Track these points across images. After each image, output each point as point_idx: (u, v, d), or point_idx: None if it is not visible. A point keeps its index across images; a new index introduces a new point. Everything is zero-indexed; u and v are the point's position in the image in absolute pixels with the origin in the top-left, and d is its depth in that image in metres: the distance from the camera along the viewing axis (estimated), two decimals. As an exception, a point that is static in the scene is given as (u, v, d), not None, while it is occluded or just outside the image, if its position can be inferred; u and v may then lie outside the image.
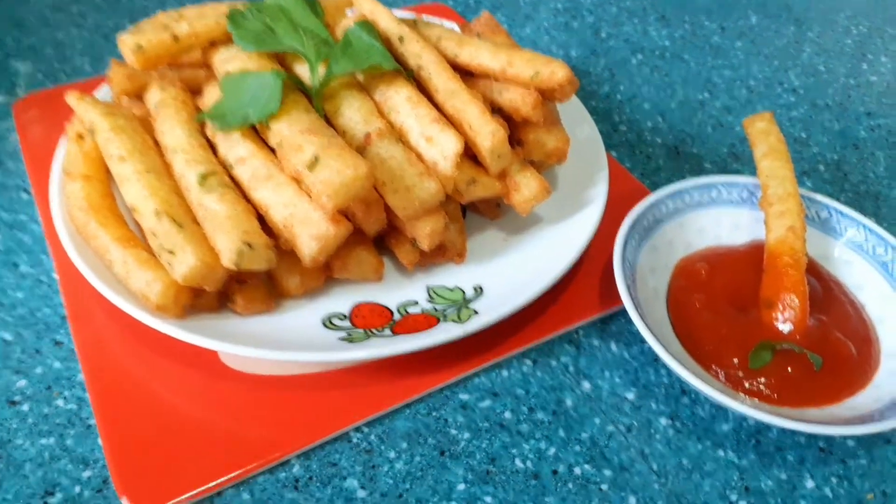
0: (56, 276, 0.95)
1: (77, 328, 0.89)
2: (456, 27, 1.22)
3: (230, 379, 0.84)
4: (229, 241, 0.77)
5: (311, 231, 0.80)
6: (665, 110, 1.30)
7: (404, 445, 0.81)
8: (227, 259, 0.77)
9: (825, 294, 0.92)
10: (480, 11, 1.46)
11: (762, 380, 0.83)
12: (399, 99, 0.92)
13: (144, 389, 0.83)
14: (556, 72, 0.89)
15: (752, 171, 1.01)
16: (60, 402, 0.84)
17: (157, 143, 0.93)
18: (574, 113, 1.10)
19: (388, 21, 1.01)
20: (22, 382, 0.85)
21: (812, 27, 1.56)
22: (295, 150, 0.82)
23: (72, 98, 0.96)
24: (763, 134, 1.01)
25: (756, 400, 0.82)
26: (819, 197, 0.99)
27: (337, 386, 0.84)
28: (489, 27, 1.17)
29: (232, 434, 0.80)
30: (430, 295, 0.90)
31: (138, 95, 1.03)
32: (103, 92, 1.09)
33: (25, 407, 0.83)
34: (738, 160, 1.20)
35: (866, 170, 1.22)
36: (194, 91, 1.02)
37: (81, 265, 0.84)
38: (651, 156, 1.20)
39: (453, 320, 0.84)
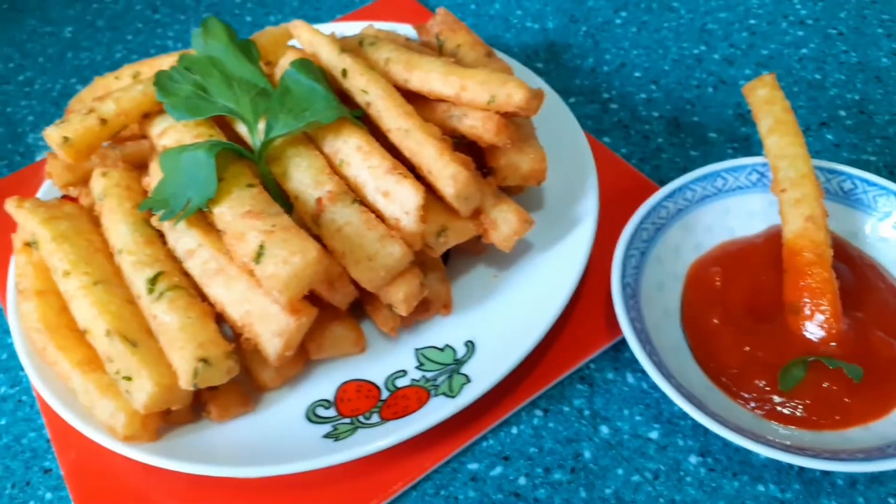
0: (35, 394, 0.90)
1: (61, 452, 0.84)
2: (412, 31, 1.12)
3: (223, 485, 0.78)
4: (183, 360, 0.71)
5: (271, 328, 0.73)
6: (659, 75, 1.18)
7: (415, 535, 0.75)
8: (184, 381, 0.70)
9: (859, 283, 0.81)
10: (444, -5, 1.34)
11: (797, 401, 0.74)
12: (349, 150, 0.83)
13: (138, 508, 0.79)
14: (512, 94, 0.78)
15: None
16: (57, 539, 0.80)
17: (106, 242, 0.86)
18: (551, 110, 0.99)
19: (329, 53, 0.91)
20: (16, 521, 0.82)
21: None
22: (238, 238, 0.75)
23: (11, 206, 0.90)
24: (766, 103, 0.88)
25: (793, 428, 0.73)
26: (839, 166, 0.88)
27: (336, 479, 0.78)
28: (447, 25, 1.06)
29: (234, 547, 0.75)
30: (419, 360, 0.82)
31: (84, 182, 0.96)
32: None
33: (23, 549, 0.80)
34: (747, 122, 1.08)
35: (893, 105, 1.08)
36: (141, 166, 0.94)
37: (47, 395, 0.80)
38: (648, 135, 1.09)
39: (444, 394, 0.77)
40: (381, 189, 0.79)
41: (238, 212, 0.77)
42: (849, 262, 0.83)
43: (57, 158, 0.94)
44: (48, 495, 0.83)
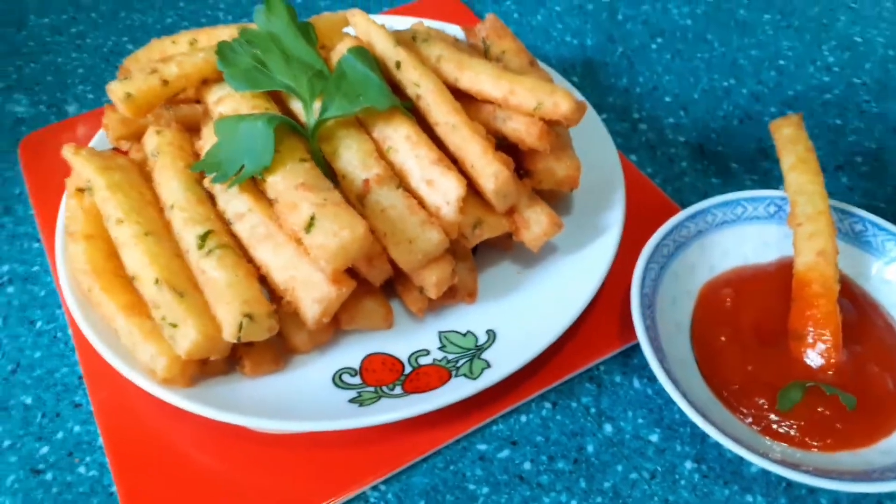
0: (71, 332, 0.95)
1: (93, 390, 0.89)
2: (460, 32, 1.16)
3: (247, 438, 0.83)
4: (229, 314, 0.75)
5: (313, 294, 0.78)
6: (688, 102, 1.23)
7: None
8: (228, 333, 0.75)
9: (860, 319, 0.86)
10: None
11: (792, 422, 0.79)
12: (398, 137, 0.88)
13: (162, 451, 0.83)
14: (559, 104, 0.83)
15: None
16: (82, 470, 0.84)
17: (156, 196, 0.91)
18: (587, 123, 1.04)
19: (384, 44, 0.96)
20: (45, 449, 0.86)
21: (848, -12, 1.45)
22: (290, 208, 0.79)
23: (68, 152, 0.94)
24: (790, 142, 0.94)
25: (785, 446, 0.78)
26: (853, 209, 0.93)
27: (354, 443, 0.82)
28: (495, 30, 1.11)
29: (250, 497, 0.79)
30: (441, 342, 0.87)
31: (137, 138, 1.01)
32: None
33: (49, 476, 0.84)
34: (768, 157, 1.14)
35: (908, 158, 1.14)
36: (193, 129, 0.99)
37: (90, 334, 0.84)
38: (673, 158, 1.14)
39: (465, 375, 0.82)
40: (425, 178, 0.84)
41: (291, 183, 0.81)
42: (852, 299, 0.88)
43: (115, 112, 0.98)
44: (76, 428, 0.87)
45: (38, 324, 0.97)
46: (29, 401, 0.90)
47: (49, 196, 1.09)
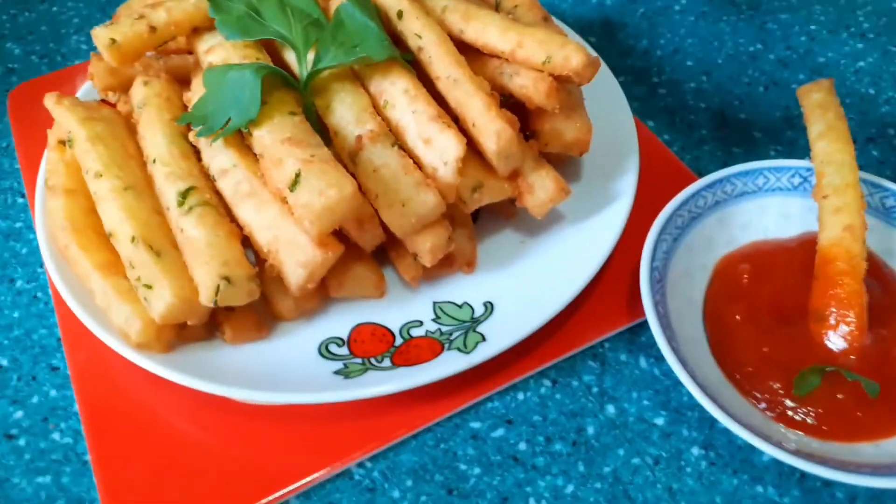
0: (51, 292, 0.91)
1: (71, 352, 0.85)
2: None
3: (228, 408, 0.79)
4: (207, 276, 0.71)
5: (297, 257, 0.73)
6: (711, 67, 1.16)
7: (409, 483, 0.75)
8: (205, 297, 0.70)
9: (888, 300, 0.80)
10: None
11: (809, 408, 0.74)
12: (395, 91, 0.82)
13: (140, 419, 0.79)
14: (570, 58, 0.77)
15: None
16: (56, 436, 0.80)
17: (140, 150, 0.86)
18: (602, 84, 0.98)
19: (387, -9, 0.90)
20: (19, 414, 0.82)
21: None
22: (276, 164, 0.74)
23: (49, 102, 0.89)
24: (820, 108, 0.87)
25: (801, 434, 0.73)
26: (884, 182, 0.86)
27: (339, 416, 0.78)
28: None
29: (229, 470, 0.75)
30: (435, 313, 0.82)
31: (124, 89, 0.95)
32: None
33: (22, 441, 0.80)
34: (793, 127, 1.06)
35: (945, 130, 1.06)
36: (183, 81, 0.94)
37: (65, 292, 0.80)
38: (693, 125, 1.07)
39: (458, 349, 0.77)
40: (422, 135, 0.78)
41: (278, 137, 0.76)
42: (880, 279, 0.82)
43: (101, 60, 0.93)
44: (52, 392, 0.83)
45: (18, 282, 0.93)
46: (5, 362, 0.86)
47: (36, 150, 1.04)
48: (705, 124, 1.07)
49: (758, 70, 1.15)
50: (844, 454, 0.71)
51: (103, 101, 0.98)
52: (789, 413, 0.74)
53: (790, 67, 1.16)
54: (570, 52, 0.77)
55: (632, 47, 1.19)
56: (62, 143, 0.89)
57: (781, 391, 0.75)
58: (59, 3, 1.29)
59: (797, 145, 1.04)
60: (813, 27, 1.23)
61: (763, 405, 0.75)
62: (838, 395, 0.74)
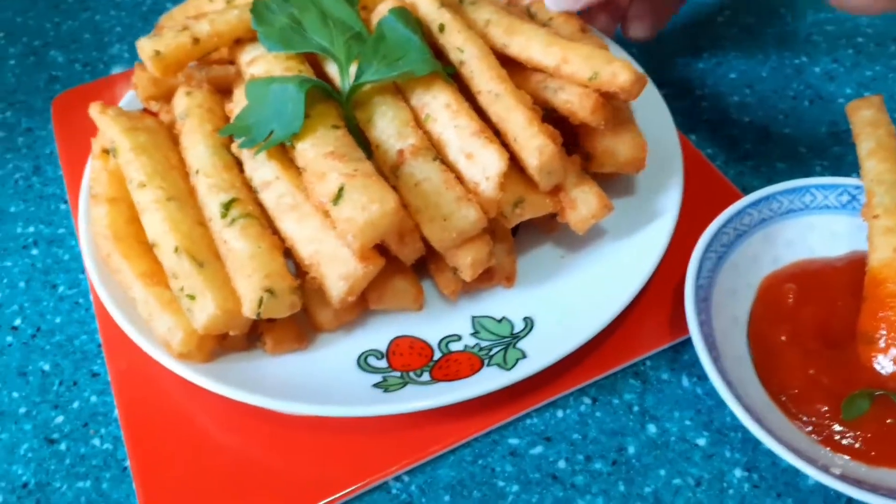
0: (92, 298, 0.92)
1: (112, 359, 0.86)
2: (503, -2, 1.09)
3: (267, 418, 0.78)
4: (250, 288, 0.71)
5: (338, 270, 0.73)
6: (754, 79, 1.14)
7: (447, 498, 0.75)
8: (248, 309, 0.71)
9: (940, 324, 0.78)
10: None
11: (857, 432, 0.72)
12: (437, 105, 0.81)
13: (179, 427, 0.79)
14: (617, 74, 0.76)
15: (857, 154, 0.86)
16: (96, 441, 0.81)
17: (182, 161, 0.87)
18: (645, 97, 0.96)
19: (428, 6, 0.90)
20: (60, 418, 0.83)
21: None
22: (318, 178, 0.74)
23: (94, 111, 0.90)
24: (870, 125, 0.85)
25: (847, 458, 0.71)
26: (937, 201, 0.84)
27: (377, 429, 0.78)
28: (543, -5, 1.03)
29: (267, 480, 0.76)
30: (474, 327, 0.81)
31: (167, 99, 0.96)
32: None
33: (63, 446, 0.81)
34: (841, 142, 1.04)
35: None
36: (225, 91, 0.94)
37: (107, 300, 0.80)
38: (737, 139, 1.06)
39: (498, 364, 0.76)
40: (464, 150, 0.78)
41: (321, 151, 0.76)
42: (932, 301, 0.80)
43: (145, 70, 0.94)
44: (93, 398, 0.84)
45: (61, 288, 0.94)
46: (47, 367, 0.87)
47: (79, 157, 1.05)
48: (749, 139, 1.06)
49: (803, 83, 1.13)
50: (893, 480, 0.69)
51: (146, 110, 0.99)
52: (836, 437, 0.72)
53: (836, 81, 1.14)
54: (617, 69, 0.76)
55: (674, 60, 1.18)
56: (105, 151, 0.90)
57: (828, 414, 0.73)
58: (102, 12, 1.31)
59: (844, 161, 1.02)
60: (860, 39, 1.20)
61: (809, 428, 0.73)
62: (888, 420, 0.72)
